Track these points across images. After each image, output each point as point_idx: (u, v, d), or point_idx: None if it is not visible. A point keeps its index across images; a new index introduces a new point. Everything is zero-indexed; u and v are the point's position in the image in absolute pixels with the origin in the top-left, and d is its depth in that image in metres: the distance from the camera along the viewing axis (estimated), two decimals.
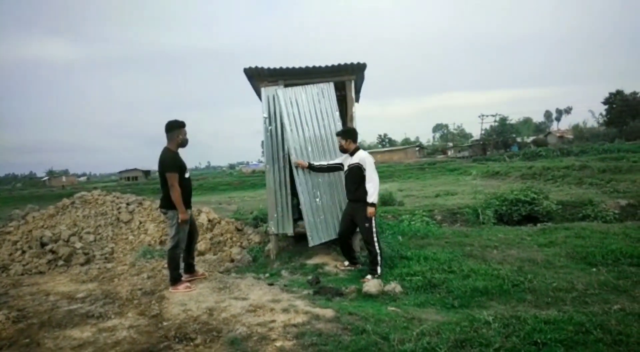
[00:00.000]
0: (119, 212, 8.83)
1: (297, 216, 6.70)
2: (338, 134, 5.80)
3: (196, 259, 6.90)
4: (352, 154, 5.57)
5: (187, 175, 4.96)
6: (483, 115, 63.30)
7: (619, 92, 55.09)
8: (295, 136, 6.18)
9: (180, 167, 4.83)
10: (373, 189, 5.29)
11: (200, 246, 7.75)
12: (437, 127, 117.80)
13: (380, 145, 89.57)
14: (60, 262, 7.05)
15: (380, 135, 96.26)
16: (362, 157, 5.45)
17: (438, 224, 10.80)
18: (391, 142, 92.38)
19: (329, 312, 3.87)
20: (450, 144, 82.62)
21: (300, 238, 6.79)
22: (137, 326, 3.82)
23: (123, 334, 3.66)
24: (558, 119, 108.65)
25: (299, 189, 5.92)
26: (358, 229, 5.60)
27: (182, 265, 5.02)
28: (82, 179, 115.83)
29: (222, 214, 11.28)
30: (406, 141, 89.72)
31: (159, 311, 4.16)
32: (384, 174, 36.35)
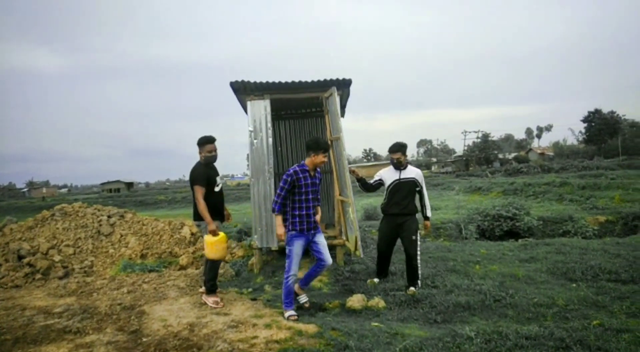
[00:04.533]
0: (100, 225, 8.69)
1: None
2: (399, 150, 5.44)
3: (177, 273, 6.82)
4: (404, 168, 5.47)
5: (217, 188, 4.94)
6: (466, 132, 64.35)
7: (597, 111, 56.54)
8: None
9: (208, 180, 4.80)
10: (429, 203, 5.51)
11: (182, 260, 7.65)
12: (421, 143, 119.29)
13: (365, 160, 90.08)
14: (38, 276, 6.89)
15: (365, 150, 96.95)
16: (418, 172, 5.48)
17: (422, 238, 10.85)
18: (376, 157, 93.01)
19: (311, 328, 3.84)
20: (434, 160, 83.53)
21: (284, 252, 6.75)
22: (116, 342, 3.74)
23: (101, 350, 3.57)
24: (539, 136, 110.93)
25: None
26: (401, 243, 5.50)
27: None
28: (63, 190, 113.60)
29: None
30: None
31: (139, 327, 4.07)
32: None
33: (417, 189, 5.43)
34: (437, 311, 4.51)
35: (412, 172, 5.44)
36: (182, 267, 7.48)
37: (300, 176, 4.41)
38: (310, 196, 4.48)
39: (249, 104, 6.68)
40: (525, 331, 3.56)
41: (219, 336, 3.71)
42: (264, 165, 6.63)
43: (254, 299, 4.96)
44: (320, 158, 4.44)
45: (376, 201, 21.15)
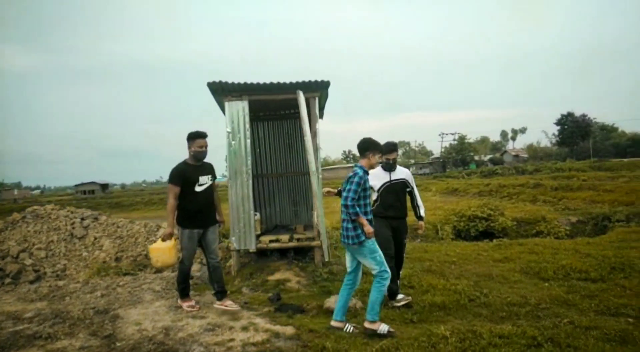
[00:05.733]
0: (73, 228, 8.48)
1: (260, 232, 6.65)
2: (395, 150, 5.12)
3: (153, 276, 6.71)
4: (394, 169, 5.13)
5: (199, 188, 4.60)
6: (443, 134, 65.32)
7: (570, 114, 58.14)
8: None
9: (187, 180, 4.52)
10: (422, 203, 5.28)
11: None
12: (400, 145, 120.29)
13: (345, 161, 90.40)
14: (8, 280, 6.68)
15: (345, 151, 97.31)
16: (407, 173, 5.20)
17: (420, 238, 10.96)
18: (355, 158, 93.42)
19: (289, 330, 3.84)
20: (412, 161, 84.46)
21: (262, 254, 6.73)
22: (89, 347, 3.66)
23: None
24: (513, 139, 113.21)
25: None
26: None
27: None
28: (36, 192, 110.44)
29: None
30: None
31: (113, 331, 4.00)
32: None
33: (408, 189, 5.17)
34: (413, 311, 4.56)
35: (402, 173, 5.16)
36: (158, 270, 7.37)
37: (366, 178, 4.13)
38: (368, 200, 4.17)
39: (226, 105, 6.63)
40: (498, 330, 3.64)
41: (194, 340, 3.68)
42: (242, 166, 6.59)
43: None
44: (377, 158, 4.26)
45: None
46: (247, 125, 6.61)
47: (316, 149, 7.09)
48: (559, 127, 59.29)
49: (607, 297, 4.69)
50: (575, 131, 56.91)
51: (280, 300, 4.99)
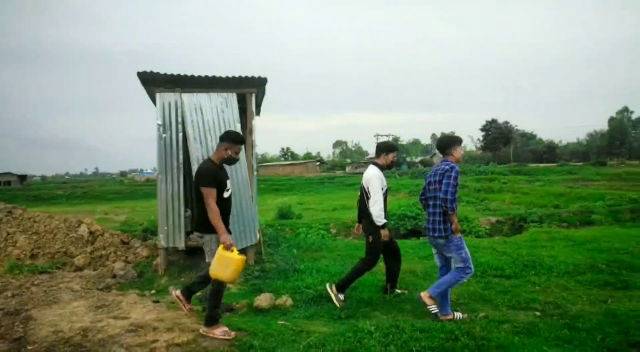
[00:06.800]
0: None
1: (190, 229, 6.47)
2: (397, 148, 5.11)
3: (72, 274, 6.34)
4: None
5: (226, 195, 4.02)
6: (378, 135, 67.18)
7: (493, 121, 62.20)
8: (198, 146, 6.05)
9: (220, 184, 3.95)
10: (374, 209, 4.77)
11: (79, 260, 7.13)
12: (337, 144, 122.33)
13: (282, 158, 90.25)
14: None
15: (283, 149, 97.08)
16: (366, 177, 4.92)
17: (333, 237, 11.17)
18: (293, 156, 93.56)
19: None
20: (349, 160, 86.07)
21: (191, 252, 6.56)
22: None
23: None
24: None
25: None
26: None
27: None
28: None
29: (107, 225, 10.50)
30: (308, 155, 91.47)
31: (24, 333, 3.72)
32: (285, 187, 36.73)
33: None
34: (341, 307, 4.67)
35: (365, 174, 5.04)
36: (78, 268, 6.96)
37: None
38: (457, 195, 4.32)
39: (158, 96, 6.39)
40: (420, 325, 3.83)
41: (115, 341, 3.51)
42: (174, 161, 6.39)
43: (156, 301, 4.76)
44: (462, 152, 4.49)
45: (291, 199, 21.26)
46: (180, 119, 6.42)
47: (252, 145, 7.05)
48: (483, 133, 63.20)
49: (519, 292, 5.07)
50: (498, 137, 60.99)
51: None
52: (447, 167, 4.22)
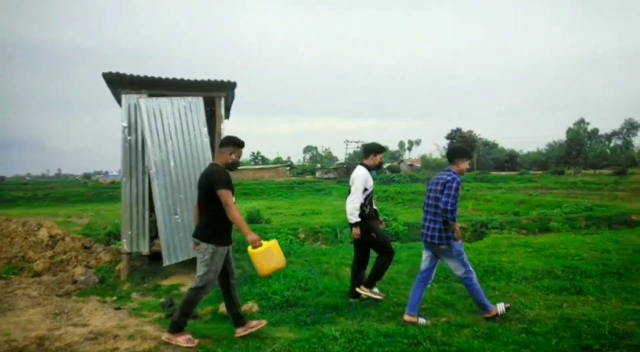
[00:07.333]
0: None
1: (154, 234, 6.35)
2: (384, 149, 5.31)
3: (30, 280, 6.10)
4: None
5: (234, 199, 3.93)
6: (348, 141, 68.03)
7: (458, 129, 63.83)
8: (156, 150, 5.91)
9: (233, 188, 3.88)
10: (349, 207, 4.88)
11: (37, 265, 6.86)
12: (308, 149, 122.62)
13: (252, 162, 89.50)
14: None
15: (253, 153, 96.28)
16: (352, 176, 5.04)
17: (301, 242, 11.16)
18: (264, 160, 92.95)
19: None
20: (319, 166, 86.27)
21: (155, 257, 6.44)
22: None
23: None
24: (410, 149, 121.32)
25: (157, 204, 5.65)
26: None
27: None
28: None
29: (70, 228, 10.15)
30: (278, 160, 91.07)
31: None
32: (255, 192, 36.41)
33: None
34: (307, 313, 4.68)
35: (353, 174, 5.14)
36: (37, 274, 6.69)
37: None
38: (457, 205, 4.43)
39: (123, 97, 6.27)
40: (384, 329, 3.89)
41: (74, 349, 3.41)
42: (139, 164, 6.26)
43: (117, 308, 4.65)
44: (466, 165, 4.56)
45: (260, 204, 21.11)
46: (147, 122, 6.30)
47: None
48: (448, 141, 64.75)
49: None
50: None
51: (173, 305, 4.82)
52: (449, 178, 4.35)
